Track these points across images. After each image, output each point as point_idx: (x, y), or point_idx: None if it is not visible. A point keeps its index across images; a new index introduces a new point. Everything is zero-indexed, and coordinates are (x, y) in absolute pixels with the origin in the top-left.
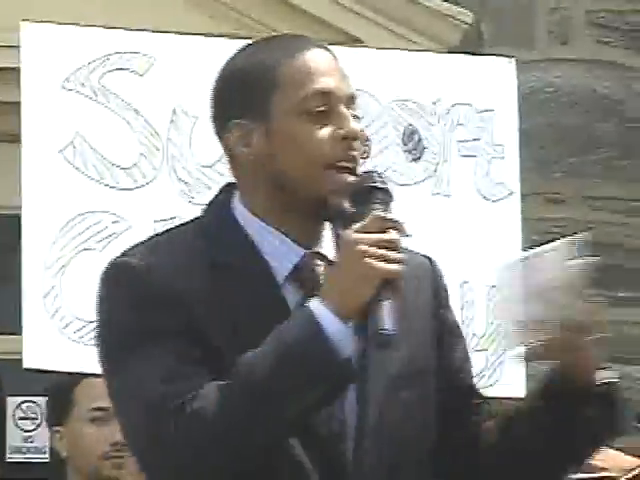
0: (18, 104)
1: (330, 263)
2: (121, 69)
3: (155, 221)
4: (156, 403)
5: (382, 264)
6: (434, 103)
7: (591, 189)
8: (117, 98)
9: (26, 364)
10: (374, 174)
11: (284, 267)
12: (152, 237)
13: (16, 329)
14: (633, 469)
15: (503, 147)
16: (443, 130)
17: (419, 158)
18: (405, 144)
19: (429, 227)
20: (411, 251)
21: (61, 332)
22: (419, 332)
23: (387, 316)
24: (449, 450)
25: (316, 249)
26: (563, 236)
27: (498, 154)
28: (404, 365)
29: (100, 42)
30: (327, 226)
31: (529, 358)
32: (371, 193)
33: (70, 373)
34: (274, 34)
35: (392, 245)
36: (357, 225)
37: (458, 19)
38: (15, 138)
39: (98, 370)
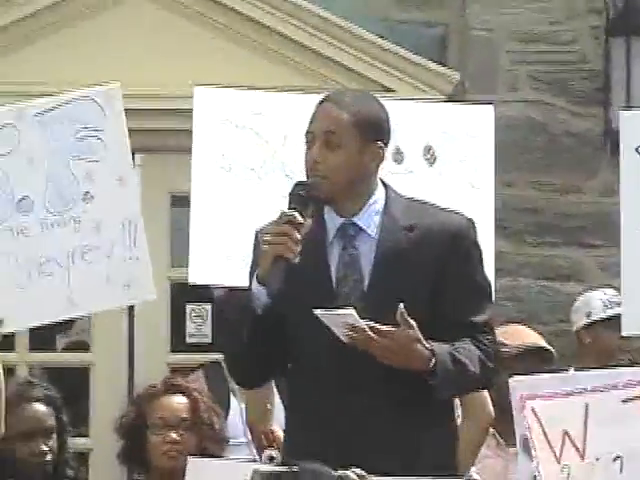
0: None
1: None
2: (254, 112)
3: (275, 199)
4: None
5: (272, 247)
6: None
7: (533, 176)
8: (251, 129)
9: (191, 280)
10: (297, 186)
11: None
12: None
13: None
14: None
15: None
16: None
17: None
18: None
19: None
20: (450, 212)
21: (211, 262)
22: (411, 268)
23: (274, 278)
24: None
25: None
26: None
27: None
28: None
29: (241, 97)
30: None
31: None
32: (292, 197)
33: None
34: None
35: (281, 232)
36: (270, 220)
37: (449, 76)
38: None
39: (237, 285)
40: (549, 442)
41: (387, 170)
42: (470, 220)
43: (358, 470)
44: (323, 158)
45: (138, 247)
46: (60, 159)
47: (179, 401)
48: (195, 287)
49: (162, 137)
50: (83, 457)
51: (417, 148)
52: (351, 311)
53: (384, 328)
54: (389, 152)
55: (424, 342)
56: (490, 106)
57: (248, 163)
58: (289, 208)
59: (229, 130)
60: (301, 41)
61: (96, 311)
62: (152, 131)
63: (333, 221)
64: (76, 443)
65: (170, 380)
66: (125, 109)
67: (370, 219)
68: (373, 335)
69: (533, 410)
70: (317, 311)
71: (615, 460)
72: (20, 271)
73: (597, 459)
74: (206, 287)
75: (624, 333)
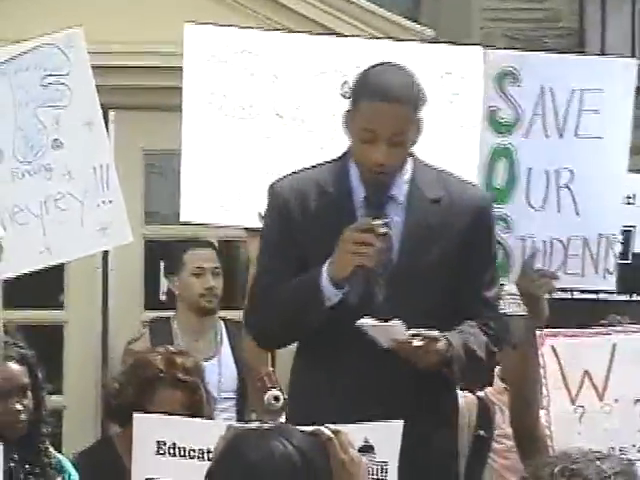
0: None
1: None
2: (244, 51)
3: (266, 137)
4: (256, 288)
5: (355, 257)
6: (441, 77)
7: None
8: (241, 67)
9: (182, 219)
10: (372, 192)
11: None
12: (300, 170)
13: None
14: None
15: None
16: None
17: None
18: None
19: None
20: (472, 185)
21: (203, 201)
22: (440, 239)
23: (354, 285)
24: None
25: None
26: None
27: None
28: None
29: (231, 35)
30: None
31: None
32: (371, 204)
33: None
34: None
35: (366, 242)
36: (353, 225)
37: (423, 33)
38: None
39: (228, 224)
40: (566, 382)
41: None
42: (491, 195)
43: (332, 425)
44: (388, 159)
45: (111, 191)
46: (26, 108)
47: (183, 399)
48: (169, 244)
49: (135, 94)
50: (57, 414)
51: None
52: (399, 323)
53: (426, 334)
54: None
55: (443, 340)
56: (479, 47)
57: (238, 101)
58: (369, 215)
59: (219, 68)
60: None
61: (74, 258)
62: (125, 88)
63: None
64: (50, 400)
65: (175, 370)
66: (98, 66)
67: (400, 187)
68: (419, 344)
69: (552, 348)
70: (363, 321)
71: (636, 403)
72: None
73: (616, 400)
74: (181, 242)
75: None
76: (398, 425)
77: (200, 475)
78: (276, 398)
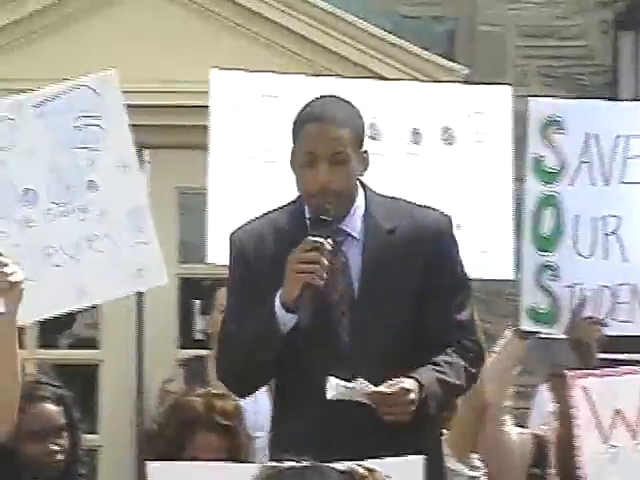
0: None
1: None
2: (270, 95)
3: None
4: (220, 334)
5: (301, 276)
6: (469, 116)
7: None
8: (267, 111)
9: (210, 260)
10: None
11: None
12: (260, 214)
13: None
14: None
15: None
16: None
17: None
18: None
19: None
20: (427, 209)
21: None
22: (395, 276)
23: (304, 306)
24: None
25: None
26: None
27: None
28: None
29: (257, 80)
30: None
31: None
32: (316, 223)
33: None
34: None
35: (311, 261)
36: (298, 246)
37: (458, 71)
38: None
39: None
40: (598, 422)
41: (406, 151)
42: (447, 216)
43: (365, 463)
44: (330, 177)
45: (146, 232)
46: (61, 149)
47: (222, 443)
48: (203, 283)
49: (170, 133)
50: (92, 454)
51: (435, 129)
52: (361, 382)
53: (388, 391)
54: (408, 133)
55: (414, 390)
56: (507, 87)
57: (264, 145)
58: (313, 234)
59: (245, 112)
60: (310, 37)
61: (108, 299)
62: (159, 127)
63: None
64: (85, 440)
65: (214, 414)
66: (132, 105)
67: (355, 223)
68: (388, 391)
69: (584, 388)
70: (330, 389)
71: None
72: (28, 263)
73: None
74: (215, 280)
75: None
76: (419, 460)
77: None
78: None
